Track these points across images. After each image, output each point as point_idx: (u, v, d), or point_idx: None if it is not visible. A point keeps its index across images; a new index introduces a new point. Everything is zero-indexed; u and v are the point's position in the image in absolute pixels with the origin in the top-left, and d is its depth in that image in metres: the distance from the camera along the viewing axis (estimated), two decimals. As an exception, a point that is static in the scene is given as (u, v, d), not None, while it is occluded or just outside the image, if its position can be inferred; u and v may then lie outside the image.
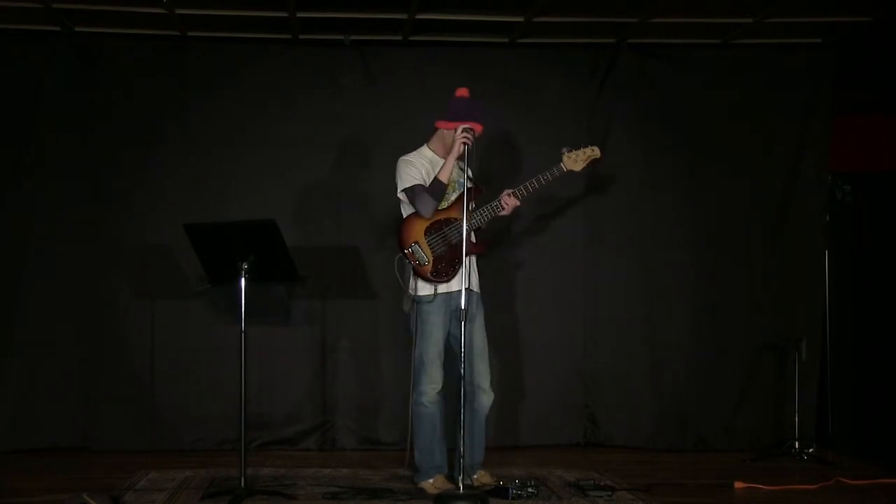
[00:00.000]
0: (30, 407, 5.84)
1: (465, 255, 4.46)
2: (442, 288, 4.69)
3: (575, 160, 4.80)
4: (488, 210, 4.73)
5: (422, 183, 4.66)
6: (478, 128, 4.64)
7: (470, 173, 4.63)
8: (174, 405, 5.94)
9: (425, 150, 4.80)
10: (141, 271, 5.97)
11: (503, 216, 4.85)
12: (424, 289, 4.68)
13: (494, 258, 5.78)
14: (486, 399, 4.75)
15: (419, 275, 4.68)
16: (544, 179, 4.75)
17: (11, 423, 5.80)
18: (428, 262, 4.67)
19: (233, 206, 5.87)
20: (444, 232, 4.68)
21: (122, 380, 5.93)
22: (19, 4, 5.52)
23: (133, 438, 5.87)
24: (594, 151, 4.82)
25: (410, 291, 4.69)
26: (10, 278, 5.86)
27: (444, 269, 4.67)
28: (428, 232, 4.69)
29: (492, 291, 4.89)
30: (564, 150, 4.78)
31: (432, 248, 4.68)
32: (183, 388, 5.95)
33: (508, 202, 4.77)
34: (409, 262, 4.68)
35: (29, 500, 4.50)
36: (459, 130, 4.53)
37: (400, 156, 4.80)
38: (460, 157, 4.57)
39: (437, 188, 4.64)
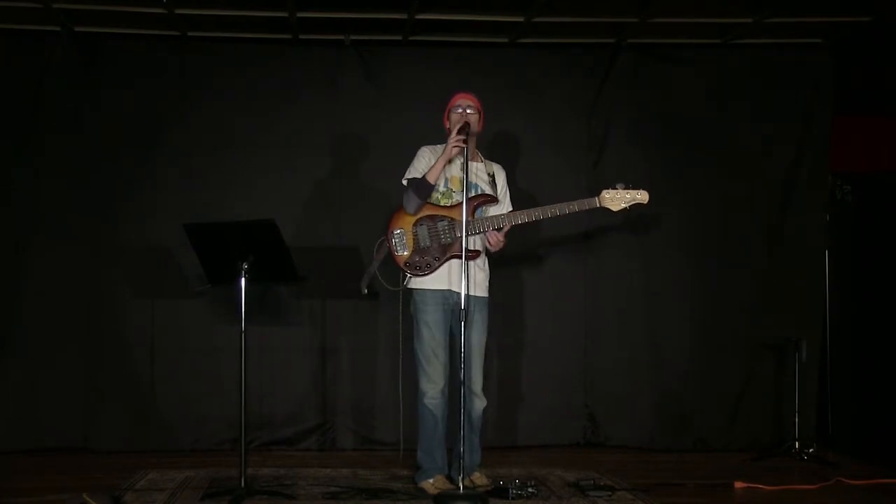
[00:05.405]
0: (30, 407, 5.83)
1: (464, 260, 4.35)
2: (419, 283, 4.65)
3: (615, 200, 4.59)
4: (490, 222, 4.63)
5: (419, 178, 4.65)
6: (472, 101, 4.62)
7: (501, 180, 4.65)
8: (174, 405, 5.94)
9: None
10: (141, 271, 5.96)
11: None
12: (407, 280, 4.68)
13: (495, 258, 5.77)
14: (477, 403, 4.73)
15: (394, 262, 4.66)
16: (568, 209, 4.58)
17: (12, 423, 5.80)
18: (406, 251, 4.63)
19: (233, 206, 5.86)
20: (436, 227, 4.63)
21: (122, 380, 5.93)
22: (19, 4, 5.52)
23: (133, 438, 5.87)
24: (641, 196, 4.62)
25: (405, 285, 4.69)
26: (10, 278, 5.85)
27: (420, 263, 4.62)
28: (419, 223, 4.65)
29: (492, 291, 4.87)
30: (618, 185, 4.59)
31: (417, 239, 4.64)
32: (183, 388, 5.94)
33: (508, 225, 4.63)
34: (387, 247, 4.65)
35: (29, 500, 4.50)
36: (454, 134, 4.51)
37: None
38: (452, 161, 4.57)
39: (421, 186, 4.59)
